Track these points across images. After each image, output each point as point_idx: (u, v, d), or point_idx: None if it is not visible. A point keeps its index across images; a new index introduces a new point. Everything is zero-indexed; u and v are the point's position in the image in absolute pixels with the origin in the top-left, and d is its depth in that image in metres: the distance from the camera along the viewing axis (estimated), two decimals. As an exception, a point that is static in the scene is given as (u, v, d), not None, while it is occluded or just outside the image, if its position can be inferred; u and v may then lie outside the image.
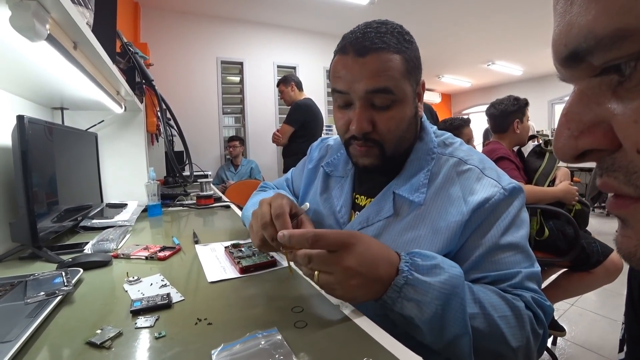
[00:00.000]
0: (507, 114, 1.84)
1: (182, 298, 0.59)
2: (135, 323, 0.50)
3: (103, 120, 1.37)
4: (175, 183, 2.47)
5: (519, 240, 0.58)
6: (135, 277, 0.68)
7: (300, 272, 0.52)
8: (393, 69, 0.58)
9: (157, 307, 0.55)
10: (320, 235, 0.47)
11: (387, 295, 0.47)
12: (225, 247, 0.84)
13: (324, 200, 0.77)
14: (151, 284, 0.66)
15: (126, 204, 1.42)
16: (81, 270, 0.71)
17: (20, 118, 0.81)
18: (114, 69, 0.89)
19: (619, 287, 1.98)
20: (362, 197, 0.72)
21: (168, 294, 0.58)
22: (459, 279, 0.48)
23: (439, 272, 0.47)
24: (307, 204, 0.62)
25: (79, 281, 0.69)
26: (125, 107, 1.25)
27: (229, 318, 0.51)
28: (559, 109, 7.97)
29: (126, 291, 0.63)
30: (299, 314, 0.51)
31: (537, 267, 0.58)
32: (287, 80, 2.94)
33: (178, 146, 2.37)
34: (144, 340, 0.46)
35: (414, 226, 0.61)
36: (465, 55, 6.31)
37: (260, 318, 0.51)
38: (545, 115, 7.74)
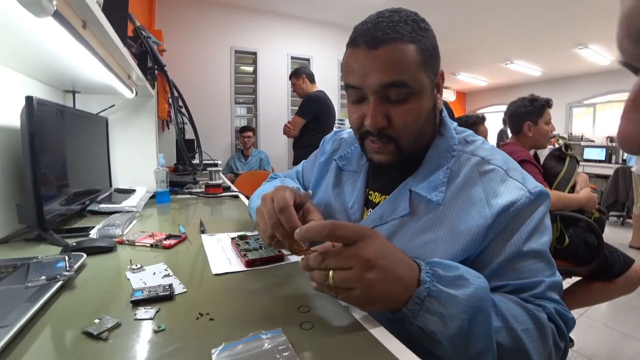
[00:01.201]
0: (518, 116, 1.76)
1: (185, 290, 0.57)
2: (135, 314, 0.48)
3: (114, 105, 1.36)
4: (185, 171, 2.47)
5: (542, 247, 0.54)
6: (139, 265, 0.66)
7: (313, 284, 0.48)
8: (408, 60, 0.54)
9: (159, 299, 0.53)
10: (339, 225, 0.44)
11: (407, 308, 0.44)
12: (232, 239, 0.82)
13: (335, 195, 0.74)
14: (154, 273, 0.64)
15: (134, 190, 1.41)
16: (84, 255, 0.69)
17: (29, 99, 0.80)
18: (125, 51, 0.87)
19: (630, 299, 1.92)
20: (377, 193, 0.68)
21: (170, 285, 0.56)
22: (485, 291, 0.44)
23: (464, 284, 0.44)
24: (310, 191, 0.59)
25: (82, 266, 0.68)
26: (136, 92, 1.23)
27: (232, 314, 0.49)
28: (577, 112, 7.76)
29: (128, 279, 0.62)
30: (305, 314, 0.49)
31: (559, 276, 0.55)
32: (299, 73, 2.91)
33: (189, 134, 2.36)
34: (143, 334, 0.44)
35: (431, 227, 0.57)
36: (483, 53, 6.17)
37: (265, 316, 0.48)
38: (562, 118, 7.55)
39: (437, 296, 0.43)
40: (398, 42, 0.54)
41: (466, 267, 0.47)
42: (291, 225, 0.52)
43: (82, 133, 1.18)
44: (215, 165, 2.92)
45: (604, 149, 5.89)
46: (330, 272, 0.43)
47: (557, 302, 0.53)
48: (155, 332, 0.44)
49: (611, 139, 6.16)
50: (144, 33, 1.11)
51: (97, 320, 0.46)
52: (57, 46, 0.73)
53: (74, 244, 0.77)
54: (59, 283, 0.56)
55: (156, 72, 1.38)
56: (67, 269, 0.61)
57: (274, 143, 4.61)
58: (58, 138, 1.00)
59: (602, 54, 5.89)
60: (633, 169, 3.95)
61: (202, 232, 0.94)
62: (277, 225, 0.54)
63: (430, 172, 0.61)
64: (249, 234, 0.86)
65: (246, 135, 3.99)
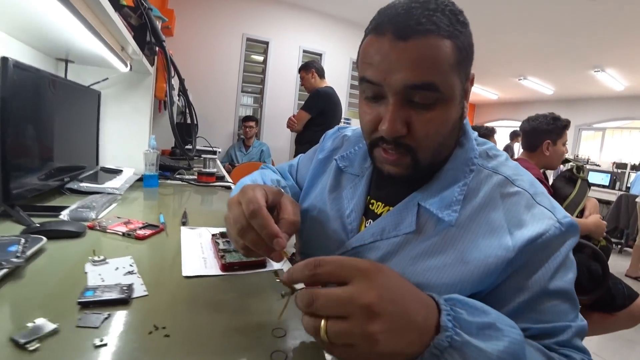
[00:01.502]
0: (539, 133, 1.68)
1: (146, 293, 0.49)
2: (80, 319, 0.41)
3: (107, 78, 1.28)
4: (181, 155, 2.40)
5: (568, 286, 0.46)
6: (101, 258, 0.59)
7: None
8: (442, 59, 0.45)
9: (112, 302, 0.45)
10: (323, 261, 0.35)
11: (422, 358, 0.34)
12: (213, 235, 0.75)
13: (332, 200, 0.66)
14: (117, 268, 0.57)
15: (122, 171, 1.34)
16: (44, 239, 0.62)
17: (4, 60, 0.72)
18: (116, 18, 0.79)
19: (626, 331, 1.85)
20: (379, 203, 0.60)
21: (130, 286, 0.49)
22: (522, 346, 0.36)
23: (495, 336, 0.35)
24: (280, 188, 0.51)
25: (40, 251, 0.61)
26: (131, 67, 1.15)
27: (192, 332, 0.41)
28: (585, 135, 7.68)
29: (86, 273, 0.54)
30: (279, 339, 0.41)
31: (584, 320, 0.47)
32: (308, 67, 2.84)
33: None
34: (80, 347, 0.36)
35: (438, 250, 0.49)
36: (497, 65, 6.08)
37: (230, 339, 0.41)
38: (570, 140, 7.45)
39: (461, 348, 0.33)
40: (433, 35, 0.45)
41: (497, 312, 0.38)
42: (267, 231, 0.44)
43: (69, 105, 1.11)
44: (214, 152, 2.84)
45: (609, 175, 5.83)
46: (322, 322, 0.33)
47: (583, 351, 0.45)
48: (95, 347, 0.37)
49: (617, 165, 6.09)
50: (144, 4, 1.04)
51: (30, 324, 0.38)
52: (40, 6, 0.65)
53: (37, 225, 0.70)
54: (3, 271, 0.49)
55: (157, 48, 1.30)
56: (18, 254, 0.54)
57: (277, 136, 4.53)
58: (40, 107, 0.93)
59: (618, 79, 5.80)
60: (638, 200, 3.87)
61: (184, 223, 0.87)
62: (244, 230, 0.46)
63: (444, 187, 0.53)
64: (232, 231, 0.78)
65: (248, 125, 3.92)
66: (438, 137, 0.50)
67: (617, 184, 5.81)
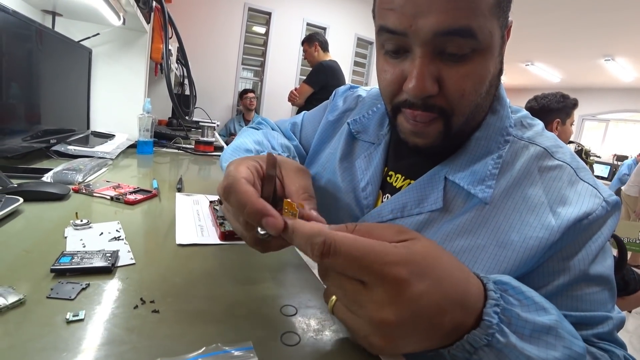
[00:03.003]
0: (548, 111, 1.64)
1: (133, 262, 0.42)
2: (52, 289, 0.34)
3: (98, 34, 1.18)
4: (179, 126, 2.31)
5: (609, 272, 0.41)
6: (84, 221, 0.52)
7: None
8: None
9: (92, 270, 0.38)
10: (335, 243, 0.26)
11: (449, 350, 0.28)
12: (211, 202, 0.68)
13: (343, 170, 0.58)
14: (101, 233, 0.50)
15: (114, 135, 1.26)
16: (20, 200, 0.55)
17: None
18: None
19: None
20: (399, 175, 0.53)
21: (114, 253, 0.42)
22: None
23: (553, 344, 0.28)
24: (274, 153, 0.37)
25: (15, 213, 0.54)
26: (124, 20, 1.05)
27: (185, 308, 0.35)
28: (589, 126, 7.62)
29: (65, 237, 0.47)
30: (290, 318, 0.35)
31: (621, 312, 0.42)
32: (311, 40, 2.73)
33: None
34: (48, 323, 0.30)
35: (469, 230, 0.43)
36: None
37: (232, 317, 0.34)
38: (573, 129, 7.40)
39: (501, 351, 0.27)
40: None
41: (558, 311, 0.31)
42: (248, 208, 0.31)
43: (57, 61, 1.01)
44: (213, 128, 2.76)
45: (609, 167, 5.79)
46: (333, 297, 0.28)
47: (623, 346, 0.40)
48: (68, 322, 0.30)
49: (618, 157, 6.05)
50: (139, -52, 0.93)
51: (-10, 293, 0.32)
52: None
53: (14, 185, 0.62)
54: (-34, 231, 0.42)
55: (153, 2, 1.20)
56: (-13, 213, 0.47)
57: (277, 111, 4.42)
58: (25, 60, 0.84)
59: (628, 69, 5.69)
60: (623, 188, 3.82)
61: (179, 190, 0.80)
62: (243, 226, 0.35)
63: (475, 159, 0.46)
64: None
65: (250, 96, 3.82)
66: (475, 96, 0.42)
67: (616, 176, 5.79)
